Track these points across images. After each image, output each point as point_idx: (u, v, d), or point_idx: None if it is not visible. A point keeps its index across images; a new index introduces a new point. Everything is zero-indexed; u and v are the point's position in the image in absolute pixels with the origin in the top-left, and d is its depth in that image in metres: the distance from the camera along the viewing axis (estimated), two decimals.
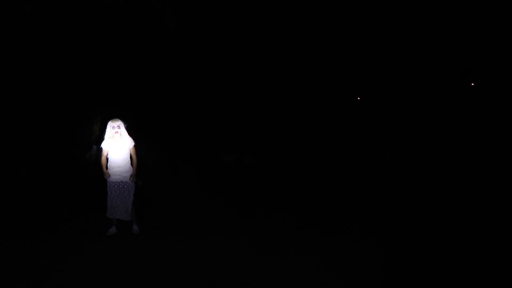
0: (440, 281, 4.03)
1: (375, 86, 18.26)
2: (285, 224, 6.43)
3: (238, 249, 5.04)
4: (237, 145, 16.37)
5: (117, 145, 5.74)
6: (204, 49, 14.00)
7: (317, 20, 13.36)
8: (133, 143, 5.84)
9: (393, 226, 6.28)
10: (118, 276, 4.14)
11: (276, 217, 6.88)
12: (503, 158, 12.33)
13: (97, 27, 11.13)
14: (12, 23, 10.04)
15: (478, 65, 14.62)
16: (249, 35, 13.73)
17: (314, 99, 19.09)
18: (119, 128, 5.77)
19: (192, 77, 15.99)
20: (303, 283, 3.95)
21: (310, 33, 14.18)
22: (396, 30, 14.00)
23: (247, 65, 16.07)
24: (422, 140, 15.37)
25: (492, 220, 6.53)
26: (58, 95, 12.67)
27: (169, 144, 14.56)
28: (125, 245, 5.23)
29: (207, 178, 12.00)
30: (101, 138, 6.11)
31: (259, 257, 4.75)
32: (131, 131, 6.00)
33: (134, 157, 5.83)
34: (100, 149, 5.90)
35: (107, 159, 5.79)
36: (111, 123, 5.77)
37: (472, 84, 15.57)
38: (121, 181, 5.72)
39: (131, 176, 5.77)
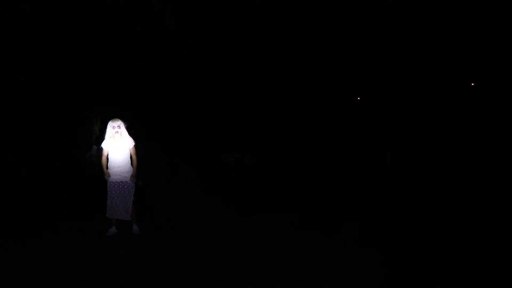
0: (440, 281, 4.03)
1: (375, 86, 18.26)
2: (285, 224, 6.43)
3: (238, 249, 5.04)
4: (237, 145, 16.37)
5: (118, 145, 5.74)
6: (204, 49, 14.00)
7: (317, 20, 13.36)
8: (133, 143, 5.84)
9: (393, 226, 6.28)
10: (118, 276, 4.14)
11: (276, 217, 6.88)
12: (503, 158, 12.33)
13: (97, 27, 11.13)
14: (12, 23, 10.04)
15: (478, 65, 14.62)
16: (249, 35, 13.73)
17: (314, 99, 19.10)
18: (120, 128, 5.77)
19: (192, 77, 15.99)
20: (303, 283, 3.95)
21: (310, 33, 14.18)
22: (396, 30, 14.00)
23: (247, 65, 16.07)
24: (422, 140, 15.38)
25: (492, 220, 6.53)
26: (58, 95, 12.68)
27: (169, 144, 14.57)
28: (125, 245, 5.23)
29: (207, 178, 12.00)
30: (101, 138, 6.11)
31: (259, 257, 4.75)
32: (131, 131, 6.00)
33: (134, 157, 5.83)
34: (101, 149, 5.90)
35: (107, 159, 5.78)
36: (112, 123, 5.78)
37: (472, 84, 15.57)
38: (121, 181, 5.72)
39: (131, 176, 5.77)
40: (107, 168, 5.77)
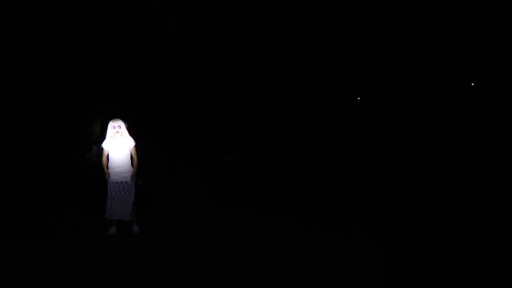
0: (440, 281, 4.03)
1: (375, 86, 18.26)
2: (285, 224, 6.43)
3: (238, 249, 5.04)
4: (237, 145, 16.37)
5: (118, 145, 5.73)
6: (204, 49, 14.00)
7: (317, 20, 13.36)
8: (134, 143, 5.84)
9: (393, 226, 6.28)
10: (118, 276, 4.14)
11: (276, 217, 6.88)
12: (503, 158, 12.34)
13: (97, 27, 11.13)
14: (12, 23, 10.04)
15: (478, 65, 14.62)
16: (249, 35, 13.73)
17: (314, 99, 19.10)
18: (120, 128, 5.77)
19: (192, 77, 15.99)
20: (303, 283, 3.95)
21: (310, 33, 14.18)
22: (396, 30, 14.01)
23: (247, 65, 16.07)
24: (422, 140, 15.38)
25: (492, 220, 6.54)
26: (58, 95, 12.68)
27: (169, 144, 14.57)
28: (125, 245, 5.23)
29: (207, 178, 12.00)
30: (101, 138, 6.10)
31: (259, 257, 4.75)
32: (131, 131, 6.00)
33: (134, 157, 5.82)
34: (101, 149, 5.89)
35: (107, 159, 5.78)
36: (112, 123, 5.77)
37: (472, 84, 15.57)
38: (122, 182, 5.72)
39: (131, 176, 5.77)
40: (107, 168, 5.77)
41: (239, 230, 6.00)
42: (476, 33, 13.37)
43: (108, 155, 5.77)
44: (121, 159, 5.72)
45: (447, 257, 4.71)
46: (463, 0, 12.45)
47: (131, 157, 5.82)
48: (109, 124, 5.81)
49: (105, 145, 5.77)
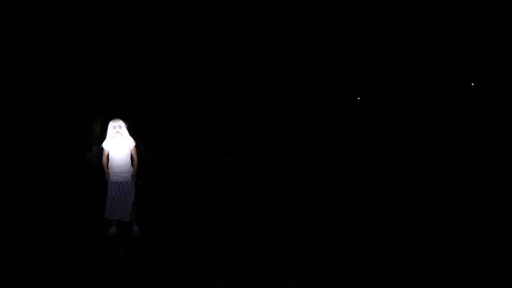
0: (440, 281, 4.03)
1: (375, 86, 18.26)
2: (285, 224, 6.43)
3: (238, 249, 5.04)
4: (237, 145, 16.38)
5: (118, 145, 5.73)
6: (204, 49, 14.00)
7: (317, 20, 13.36)
8: (134, 143, 5.84)
9: (393, 226, 6.28)
10: (118, 276, 4.14)
11: (276, 217, 6.88)
12: (503, 158, 12.34)
13: (97, 27, 11.13)
14: (12, 23, 10.04)
15: (478, 65, 14.62)
16: (249, 35, 13.73)
17: (314, 99, 19.10)
18: (121, 128, 5.76)
19: (192, 77, 15.99)
20: (303, 283, 3.95)
21: (310, 33, 14.18)
22: (396, 30, 14.00)
23: (247, 65, 16.07)
24: (422, 140, 15.38)
25: (492, 220, 6.54)
26: (58, 95, 12.68)
27: (169, 144, 14.57)
28: (125, 245, 5.23)
29: (207, 178, 12.00)
30: (101, 138, 6.09)
31: (259, 257, 4.75)
32: (131, 131, 6.00)
33: (135, 157, 5.83)
34: (101, 149, 5.89)
35: (108, 159, 5.78)
36: (112, 123, 5.77)
37: (472, 84, 15.57)
38: (121, 182, 5.72)
39: (131, 176, 5.77)
40: (107, 168, 5.77)
41: (239, 230, 6.00)
42: (476, 33, 13.36)
43: (108, 155, 5.77)
44: (121, 159, 5.72)
45: (447, 257, 4.71)
46: (463, 0, 12.45)
47: (131, 157, 5.83)
48: (109, 124, 5.81)
49: (105, 145, 5.77)
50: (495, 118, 14.19)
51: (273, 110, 18.69)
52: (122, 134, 5.76)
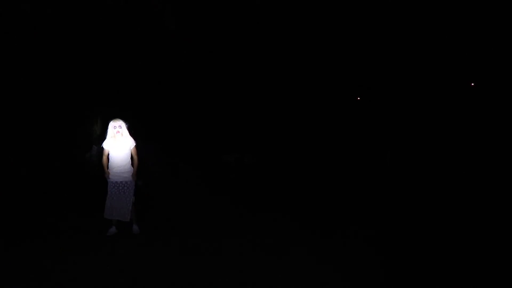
0: (440, 281, 4.03)
1: (375, 86, 18.26)
2: (285, 224, 6.44)
3: (238, 249, 5.04)
4: (237, 145, 16.38)
5: (119, 145, 5.73)
6: (204, 49, 14.00)
7: (317, 20, 13.36)
8: (134, 143, 5.84)
9: (393, 226, 6.28)
10: (118, 276, 4.14)
11: (276, 217, 6.88)
12: (503, 158, 12.34)
13: (97, 27, 11.13)
14: (12, 23, 10.04)
15: (478, 65, 14.63)
16: (249, 35, 13.73)
17: (314, 99, 19.10)
18: (121, 128, 5.76)
19: (192, 77, 15.99)
20: (303, 283, 3.95)
21: (310, 33, 14.18)
22: (396, 30, 14.01)
23: (247, 65, 16.07)
24: (422, 140, 15.38)
25: (492, 220, 6.54)
26: (58, 95, 12.68)
27: (169, 144, 14.58)
28: (125, 245, 5.23)
29: (207, 178, 12.01)
30: (101, 138, 6.09)
31: (259, 257, 4.75)
32: (131, 131, 6.00)
33: (135, 157, 5.82)
34: (101, 149, 5.89)
35: (108, 159, 5.78)
36: (113, 123, 5.77)
37: (472, 84, 15.57)
38: (121, 182, 5.72)
39: (132, 175, 5.77)
40: (107, 168, 5.77)
41: (239, 230, 6.00)
42: (476, 33, 13.37)
43: (108, 155, 5.77)
44: (122, 159, 5.72)
45: (447, 257, 4.71)
46: (463, 0, 12.46)
47: (131, 157, 5.83)
48: (109, 124, 5.81)
49: (106, 145, 5.77)
50: (495, 118, 14.19)
51: (273, 110, 18.69)
52: (122, 134, 5.75)
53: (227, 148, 16.15)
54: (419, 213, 7.16)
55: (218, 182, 11.69)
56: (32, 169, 11.22)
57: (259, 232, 5.90)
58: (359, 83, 18.61)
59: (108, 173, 5.73)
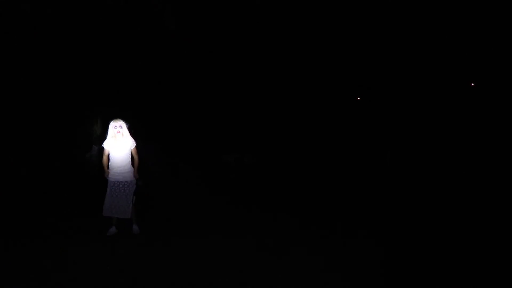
0: (440, 281, 4.03)
1: (375, 86, 18.27)
2: (285, 224, 6.44)
3: (238, 249, 5.04)
4: (237, 145, 16.38)
5: (119, 145, 5.73)
6: (204, 49, 14.01)
7: (317, 20, 13.36)
8: (135, 143, 5.84)
9: (393, 226, 6.28)
10: (118, 276, 4.14)
11: (276, 217, 6.88)
12: (503, 158, 12.34)
13: (97, 27, 11.13)
14: (12, 23, 10.04)
15: (478, 65, 14.63)
16: (249, 35, 13.73)
17: (314, 99, 19.11)
18: (121, 128, 5.76)
19: (192, 77, 16.00)
20: (303, 283, 3.95)
21: (310, 33, 14.18)
22: (396, 30, 14.01)
23: (247, 65, 16.07)
24: (422, 140, 15.38)
25: (492, 220, 6.54)
26: (58, 95, 12.68)
27: (169, 144, 14.58)
28: (125, 245, 5.23)
29: (207, 178, 12.00)
30: (101, 138, 6.08)
31: (259, 257, 4.75)
32: (131, 131, 5.99)
33: (136, 157, 5.82)
34: (102, 149, 5.89)
35: (108, 159, 5.78)
36: (113, 123, 5.76)
37: (472, 84, 15.58)
38: (121, 181, 5.72)
39: (133, 175, 5.77)
40: (108, 167, 5.77)
41: (239, 230, 6.00)
42: (476, 33, 13.37)
43: (108, 155, 5.77)
44: (122, 159, 5.72)
45: (447, 257, 4.71)
46: (463, 0, 12.46)
47: (132, 157, 5.83)
48: (110, 124, 5.81)
49: (106, 144, 5.77)
50: (495, 118, 14.20)
51: (273, 110, 18.69)
52: (123, 134, 5.75)
53: (227, 148, 16.16)
54: (419, 213, 7.16)
55: (218, 182, 11.69)
56: (32, 169, 11.22)
57: (259, 232, 5.90)
58: (359, 83, 18.62)
59: (108, 172, 5.73)
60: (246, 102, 18.20)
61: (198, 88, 16.75)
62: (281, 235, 5.71)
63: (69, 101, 13.01)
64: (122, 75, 13.63)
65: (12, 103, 11.64)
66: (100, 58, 12.47)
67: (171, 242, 5.36)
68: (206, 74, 16.06)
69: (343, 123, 19.18)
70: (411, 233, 5.81)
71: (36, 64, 11.61)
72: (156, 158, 10.61)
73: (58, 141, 12.65)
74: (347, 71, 17.39)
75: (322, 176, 12.76)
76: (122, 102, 13.82)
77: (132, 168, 5.80)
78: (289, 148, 17.55)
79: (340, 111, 19.54)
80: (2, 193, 8.84)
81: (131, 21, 11.29)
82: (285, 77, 17.34)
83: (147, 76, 14.51)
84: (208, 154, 16.00)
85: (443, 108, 15.82)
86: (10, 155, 11.26)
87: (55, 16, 10.35)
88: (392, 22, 13.54)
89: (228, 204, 8.12)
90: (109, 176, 5.73)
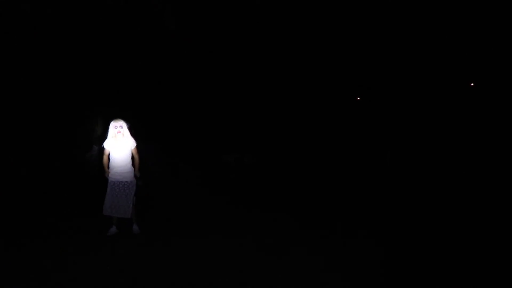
0: (440, 281, 4.03)
1: (375, 86, 18.27)
2: (285, 224, 6.44)
3: (238, 249, 5.04)
4: (237, 145, 16.38)
5: (119, 145, 5.73)
6: (204, 49, 14.01)
7: (317, 20, 13.36)
8: (135, 143, 5.84)
9: (393, 226, 6.28)
10: (118, 276, 4.14)
11: (276, 217, 6.89)
12: (503, 158, 12.34)
13: (97, 27, 11.13)
14: (12, 23, 10.05)
15: (478, 65, 14.63)
16: (249, 35, 13.73)
17: (314, 99, 19.11)
18: (122, 128, 5.76)
19: (192, 77, 16.00)
20: (303, 283, 3.95)
21: (310, 33, 14.18)
22: (396, 30, 14.01)
23: (247, 65, 16.07)
24: (421, 140, 15.39)
25: (492, 220, 6.54)
26: (58, 95, 12.69)
27: (169, 144, 14.58)
28: (125, 245, 5.23)
29: (207, 178, 12.00)
30: (101, 138, 6.08)
31: (259, 257, 4.75)
32: (131, 131, 5.99)
33: (136, 157, 5.82)
34: (102, 149, 5.89)
35: (108, 158, 5.78)
36: (114, 123, 5.76)
37: (472, 84, 15.58)
38: (122, 181, 5.72)
39: (134, 175, 5.77)
40: (108, 167, 5.77)
41: (239, 230, 6.00)
42: (476, 33, 13.37)
43: (109, 154, 5.77)
44: (122, 159, 5.72)
45: (447, 257, 4.71)
46: (463, 0, 12.46)
47: (132, 157, 5.83)
48: (110, 124, 5.81)
49: (106, 144, 5.77)
50: (495, 118, 14.20)
51: (273, 110, 18.70)
52: (123, 134, 5.75)
53: (227, 148, 16.16)
54: (419, 213, 7.16)
55: (218, 182, 11.69)
56: (32, 169, 11.22)
57: (259, 232, 5.90)
58: (359, 83, 18.62)
59: (108, 172, 5.73)
60: (246, 102, 18.20)
61: (198, 88, 16.75)
62: (281, 235, 5.71)
63: (69, 101, 13.02)
64: (122, 75, 13.63)
65: (12, 103, 11.65)
66: (100, 58, 12.47)
67: (171, 242, 5.36)
68: (206, 74, 16.06)
69: (343, 123, 19.19)
70: (411, 233, 5.81)
71: (36, 64, 11.62)
72: (156, 158, 10.60)
73: (58, 141, 12.65)
74: (347, 71, 17.39)
75: (322, 176, 12.76)
76: (122, 102, 13.82)
77: (133, 168, 5.80)
78: (289, 148, 17.56)
79: (340, 111, 19.54)
80: (2, 193, 8.84)
81: (131, 21, 11.29)
82: (285, 77, 17.35)
83: (147, 76, 14.51)
84: (208, 154, 16.00)
85: (443, 108, 15.82)
86: (10, 155, 11.27)
87: (55, 16, 10.35)
88: (392, 22, 13.55)
89: (228, 204, 8.13)
90: (110, 176, 5.73)
